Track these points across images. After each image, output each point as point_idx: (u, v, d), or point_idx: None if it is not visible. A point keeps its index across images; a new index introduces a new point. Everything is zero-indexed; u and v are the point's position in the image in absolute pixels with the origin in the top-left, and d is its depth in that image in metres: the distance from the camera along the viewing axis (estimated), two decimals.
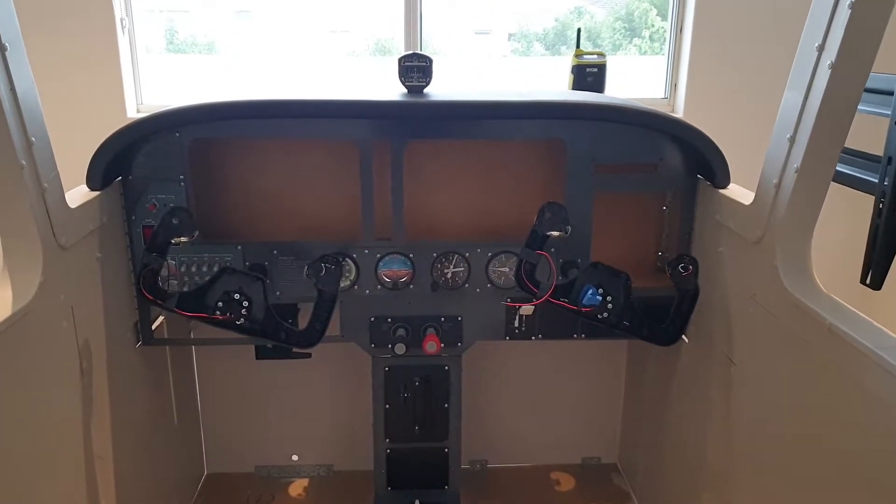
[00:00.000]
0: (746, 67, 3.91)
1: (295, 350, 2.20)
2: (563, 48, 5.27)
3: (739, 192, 2.09)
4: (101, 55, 3.70)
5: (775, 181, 1.77)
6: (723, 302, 2.09)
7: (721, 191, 2.13)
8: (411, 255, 2.28)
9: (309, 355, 2.40)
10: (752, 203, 1.92)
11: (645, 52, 5.16)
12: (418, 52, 2.26)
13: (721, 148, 2.15)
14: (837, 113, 1.61)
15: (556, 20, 5.55)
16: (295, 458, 3.04)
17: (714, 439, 2.17)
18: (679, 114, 4.07)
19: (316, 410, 2.98)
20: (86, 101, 3.69)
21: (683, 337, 2.26)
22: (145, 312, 2.24)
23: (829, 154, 1.67)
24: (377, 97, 2.20)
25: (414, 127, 2.20)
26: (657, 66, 4.35)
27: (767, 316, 1.83)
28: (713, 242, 2.16)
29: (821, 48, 1.59)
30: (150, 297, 1.94)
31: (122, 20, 3.73)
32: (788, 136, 1.71)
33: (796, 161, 1.69)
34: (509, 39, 5.80)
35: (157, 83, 4.11)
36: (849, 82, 1.57)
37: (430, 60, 2.23)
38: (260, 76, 5.18)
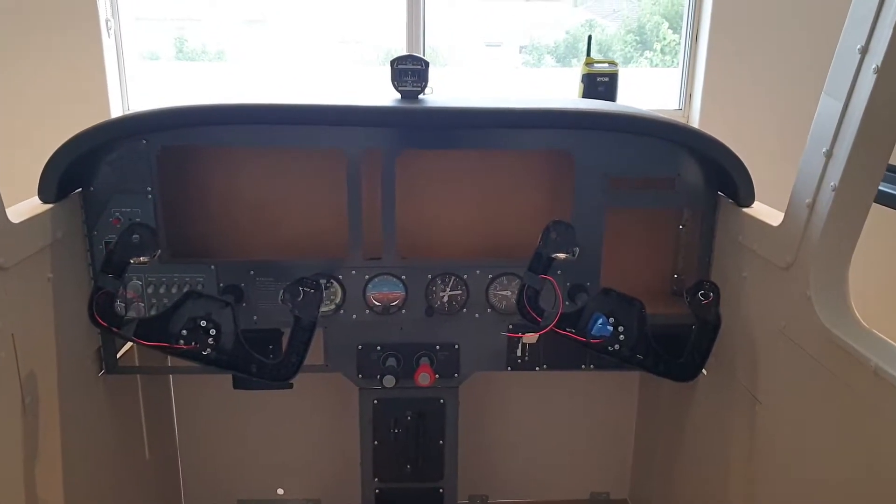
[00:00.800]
0: (767, 76, 3.77)
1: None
2: (574, 61, 5.21)
3: (765, 211, 1.90)
4: (85, 58, 3.55)
5: (808, 200, 1.58)
6: (747, 333, 1.89)
7: (745, 210, 1.94)
8: (404, 277, 2.09)
9: (290, 386, 2.20)
10: (780, 224, 1.72)
11: (656, 65, 5.09)
12: (413, 53, 2.07)
13: None
14: (883, 124, 1.42)
15: (567, 33, 5.51)
16: (280, 491, 2.85)
17: (735, 481, 1.98)
18: (695, 126, 3.89)
19: (302, 441, 2.80)
20: (67, 105, 3.56)
21: (702, 370, 2.06)
22: (109, 339, 2.05)
23: (871, 171, 1.48)
24: (365, 102, 2.01)
25: (406, 135, 2.01)
26: (669, 77, 4.22)
27: (799, 351, 1.63)
28: (736, 267, 1.95)
29: (864, 50, 1.40)
30: (104, 324, 1.74)
31: (107, 21, 3.59)
32: (825, 150, 1.51)
33: (834, 178, 1.49)
34: (520, 52, 5.76)
35: (163, 90, 4.00)
36: None
37: (426, 63, 2.05)
38: (268, 84, 5.10)
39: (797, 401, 1.67)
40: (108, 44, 3.63)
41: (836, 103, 1.48)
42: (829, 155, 1.51)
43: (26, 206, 1.76)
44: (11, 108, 3.56)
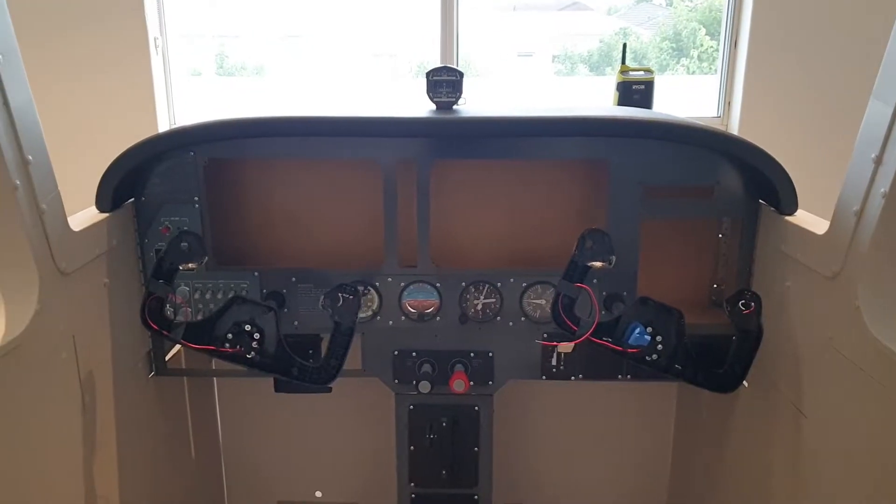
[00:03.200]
0: (808, 81, 3.70)
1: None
2: (608, 69, 5.18)
3: (809, 219, 1.86)
4: (135, 74, 3.69)
5: (856, 208, 1.54)
6: (790, 345, 1.85)
7: (787, 218, 1.90)
8: (438, 285, 2.10)
9: (329, 389, 2.24)
10: (826, 232, 1.68)
11: (693, 72, 5.05)
12: (448, 65, 2.09)
13: None
14: None
15: (600, 41, 5.48)
16: (318, 494, 2.89)
17: (779, 496, 1.93)
18: (734, 133, 3.84)
19: (340, 444, 2.83)
20: (118, 120, 3.70)
21: (743, 382, 2.02)
22: (159, 342, 2.12)
23: None
24: (401, 114, 2.04)
25: (441, 145, 2.04)
26: (706, 85, 4.17)
27: (847, 363, 1.59)
28: (779, 276, 1.92)
29: None
30: (156, 327, 1.81)
31: (155, 39, 3.71)
32: (874, 155, 1.48)
33: (884, 185, 1.45)
34: (553, 61, 5.76)
35: (206, 105, 4.12)
36: None
37: (461, 74, 2.07)
38: (305, 98, 5.21)
39: (846, 414, 1.62)
40: (156, 61, 3.76)
41: (885, 107, 1.45)
42: (878, 161, 1.47)
43: (85, 216, 1.84)
44: (66, 122, 3.70)
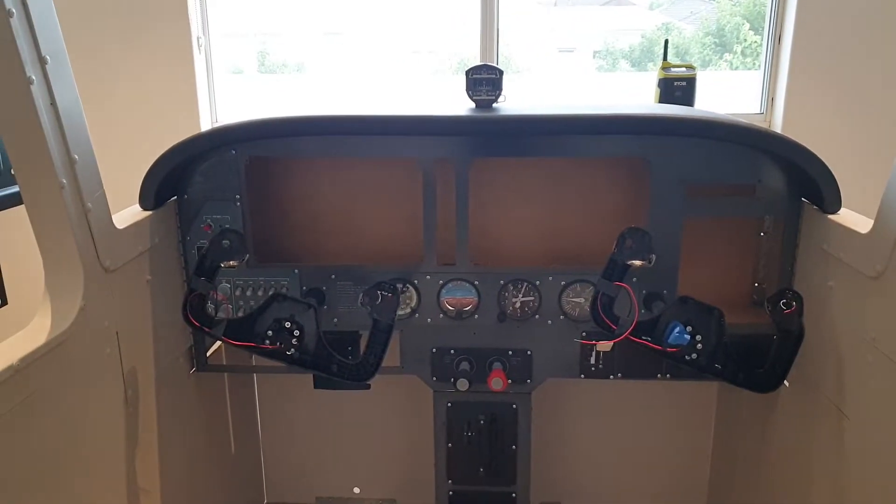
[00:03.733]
0: (852, 79, 3.60)
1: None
2: (650, 65, 5.11)
3: (853, 218, 1.82)
4: (178, 73, 3.78)
5: None
6: (833, 345, 1.82)
7: (830, 216, 1.86)
8: (476, 283, 2.11)
9: (368, 386, 2.27)
10: (870, 231, 1.65)
11: (737, 68, 4.95)
12: (488, 63, 2.10)
13: None
14: None
15: (642, 37, 5.41)
16: (356, 490, 2.92)
17: (820, 497, 1.90)
18: (777, 130, 3.76)
19: (379, 442, 2.86)
20: (161, 119, 3.79)
21: (784, 382, 1.99)
22: (200, 338, 2.17)
23: None
24: (441, 112, 2.06)
25: (480, 144, 2.05)
26: (750, 80, 4.09)
27: (891, 365, 1.55)
28: (821, 276, 1.88)
29: None
30: (197, 324, 1.85)
31: (198, 39, 3.80)
32: None
33: None
34: (594, 57, 5.70)
35: (247, 103, 4.20)
36: None
37: (501, 72, 2.07)
38: (345, 95, 5.25)
39: (888, 416, 1.59)
40: (198, 59, 3.84)
41: None
42: None
43: (129, 214, 1.89)
44: (110, 121, 3.81)
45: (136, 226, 1.84)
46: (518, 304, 2.13)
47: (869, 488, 1.66)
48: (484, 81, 2.07)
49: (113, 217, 1.71)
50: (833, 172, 1.88)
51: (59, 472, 1.46)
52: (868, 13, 3.57)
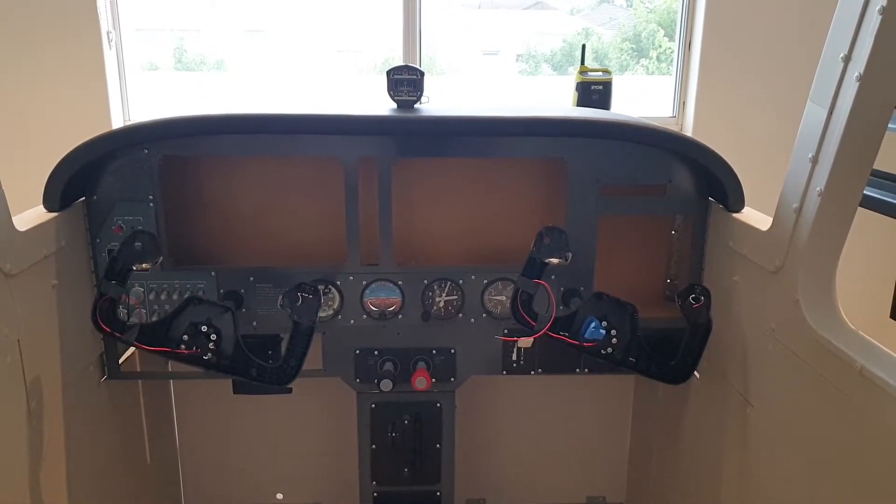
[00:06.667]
0: (758, 84, 3.81)
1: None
2: (571, 69, 5.23)
3: (755, 216, 1.93)
4: (86, 69, 3.60)
5: (795, 205, 1.61)
6: (738, 336, 1.92)
7: (735, 215, 1.97)
8: (400, 283, 2.12)
9: (289, 390, 2.23)
10: (769, 229, 1.75)
11: (652, 73, 5.13)
12: (409, 64, 2.11)
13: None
14: (866, 130, 1.45)
15: (563, 41, 5.53)
16: (279, 496, 2.87)
17: (729, 483, 2.00)
18: (688, 133, 3.93)
19: (302, 446, 2.81)
20: (69, 116, 3.60)
21: (695, 373, 2.08)
22: (111, 344, 2.08)
23: (856, 176, 1.51)
24: (362, 112, 2.05)
25: (402, 144, 2.05)
26: (665, 85, 4.25)
27: (788, 353, 1.66)
28: (727, 271, 1.99)
29: (847, 58, 1.43)
30: (108, 330, 1.77)
31: (108, 33, 3.63)
32: (811, 155, 1.54)
33: (820, 183, 1.52)
34: (517, 60, 5.79)
35: (163, 101, 4.04)
36: (879, 96, 1.41)
37: (422, 73, 2.08)
38: (267, 94, 5.14)
39: (787, 403, 1.69)
40: (109, 55, 3.67)
41: (821, 110, 1.51)
42: (814, 161, 1.54)
43: (31, 215, 1.79)
44: (13, 117, 3.60)
45: (39, 228, 1.75)
46: (442, 304, 2.14)
47: (772, 473, 1.76)
48: (405, 82, 2.08)
49: (14, 219, 1.61)
50: (739, 173, 1.98)
51: None
52: (773, 22, 3.77)
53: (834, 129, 1.48)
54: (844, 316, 1.57)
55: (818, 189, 1.52)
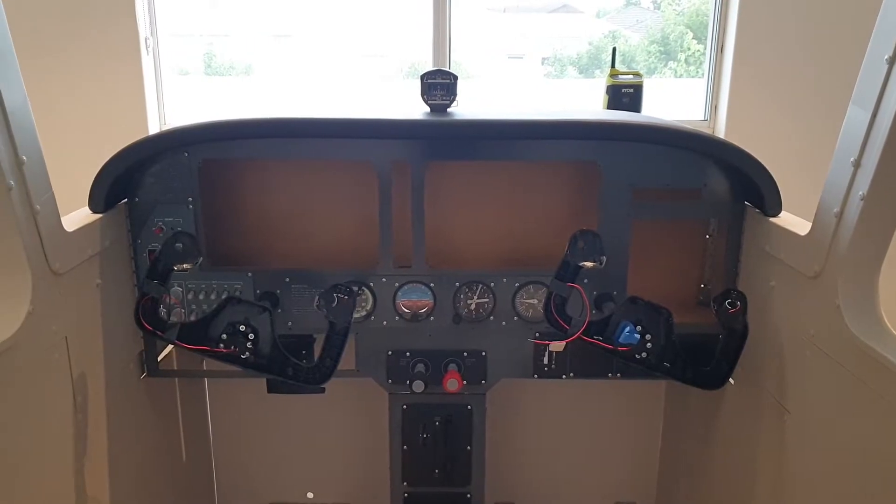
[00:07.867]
0: (792, 86, 3.76)
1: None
2: (597, 72, 5.22)
3: (793, 220, 1.90)
4: (125, 74, 3.69)
5: (836, 210, 1.58)
6: (775, 342, 1.90)
7: (772, 219, 1.94)
8: (432, 285, 2.13)
9: (322, 390, 2.26)
10: (808, 233, 1.73)
11: (680, 76, 5.09)
12: (442, 68, 2.12)
13: None
14: None
15: (589, 44, 5.51)
16: (310, 495, 2.89)
17: (763, 490, 1.97)
18: (721, 136, 3.89)
19: (333, 446, 2.84)
20: (108, 120, 3.70)
21: (730, 379, 2.06)
22: (151, 343, 2.12)
23: None
24: (396, 116, 2.07)
25: (435, 147, 2.06)
26: (693, 88, 4.22)
27: (828, 360, 1.63)
28: (763, 276, 1.96)
29: (892, 60, 1.41)
30: (150, 328, 1.82)
31: (146, 40, 3.71)
32: (853, 159, 1.52)
33: (862, 187, 1.50)
34: (542, 63, 5.78)
35: (192, 105, 4.12)
36: None
37: (455, 77, 2.09)
38: (294, 98, 5.20)
39: (826, 410, 1.67)
40: (146, 60, 3.75)
41: (864, 113, 1.49)
42: (857, 164, 1.51)
43: (78, 216, 1.84)
44: (56, 122, 3.70)
45: (85, 228, 1.79)
46: (473, 306, 2.15)
47: (809, 480, 1.73)
48: (439, 86, 2.09)
49: (62, 220, 1.66)
50: (774, 177, 1.96)
51: (5, 479, 1.41)
52: (807, 24, 3.73)
53: (878, 133, 1.45)
54: (888, 322, 1.54)
55: (861, 193, 1.50)
